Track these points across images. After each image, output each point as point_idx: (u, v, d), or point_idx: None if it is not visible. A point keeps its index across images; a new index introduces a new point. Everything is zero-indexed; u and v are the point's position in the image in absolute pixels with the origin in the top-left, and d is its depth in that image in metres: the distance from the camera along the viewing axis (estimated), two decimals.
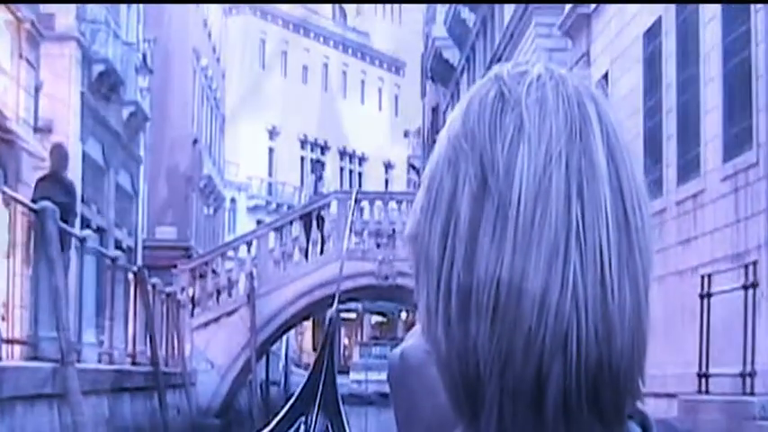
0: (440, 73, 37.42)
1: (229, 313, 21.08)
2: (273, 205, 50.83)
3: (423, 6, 45.25)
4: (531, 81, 0.81)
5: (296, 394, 16.46)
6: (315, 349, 41.42)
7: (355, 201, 22.10)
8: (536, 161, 0.77)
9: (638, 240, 0.79)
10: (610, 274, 0.77)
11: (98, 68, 21.25)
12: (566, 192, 0.77)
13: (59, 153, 12.54)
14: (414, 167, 53.80)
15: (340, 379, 17.62)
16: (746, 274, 9.82)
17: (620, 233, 0.78)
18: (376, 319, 57.44)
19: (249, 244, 22.16)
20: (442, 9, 36.62)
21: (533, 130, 0.78)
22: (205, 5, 37.42)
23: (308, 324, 41.12)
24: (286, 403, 16.76)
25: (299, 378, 33.99)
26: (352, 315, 53.20)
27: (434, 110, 40.67)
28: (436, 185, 0.81)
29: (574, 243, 0.76)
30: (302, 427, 15.67)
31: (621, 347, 0.77)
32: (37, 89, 17.94)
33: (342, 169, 58.69)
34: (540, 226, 0.76)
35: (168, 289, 17.57)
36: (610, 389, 0.77)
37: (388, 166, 60.50)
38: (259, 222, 38.07)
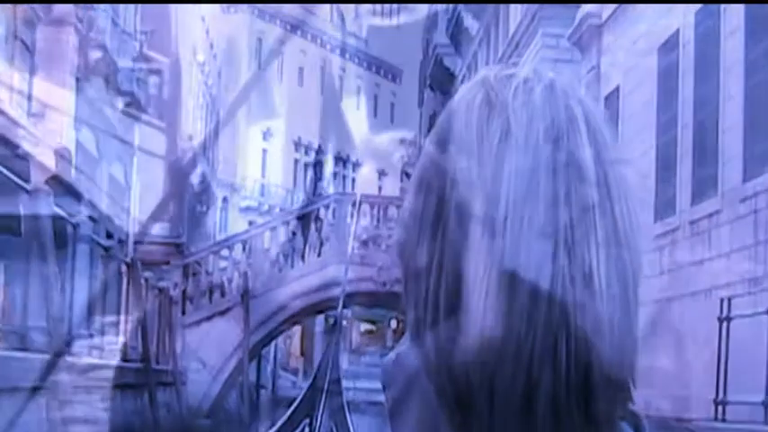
0: (440, 81, 37.17)
1: (222, 313, 20.76)
2: (266, 207, 50.57)
3: (423, 12, 44.98)
4: (518, 85, 0.81)
5: (300, 396, 16.42)
6: (303, 354, 41.29)
7: (358, 204, 21.81)
8: (523, 166, 0.77)
9: (627, 243, 0.78)
10: (599, 277, 0.76)
11: (95, 55, 20.91)
12: (553, 196, 0.76)
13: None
14: (408, 175, 53.56)
15: None
16: None
17: (608, 236, 0.77)
18: (365, 326, 57.22)
19: (244, 243, 21.88)
20: (443, 16, 36.43)
21: (520, 134, 0.78)
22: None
23: (296, 328, 40.91)
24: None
25: (287, 382, 33.86)
26: (342, 322, 52.92)
27: (432, 118, 40.43)
28: (424, 191, 0.80)
29: (562, 248, 0.76)
30: (307, 429, 15.61)
31: (611, 352, 0.76)
32: (32, 73, 17.66)
33: (335, 174, 58.46)
34: (528, 231, 0.76)
35: (161, 284, 17.25)
36: (600, 393, 0.76)
37: (381, 174, 60.30)
38: (251, 223, 37.78)
